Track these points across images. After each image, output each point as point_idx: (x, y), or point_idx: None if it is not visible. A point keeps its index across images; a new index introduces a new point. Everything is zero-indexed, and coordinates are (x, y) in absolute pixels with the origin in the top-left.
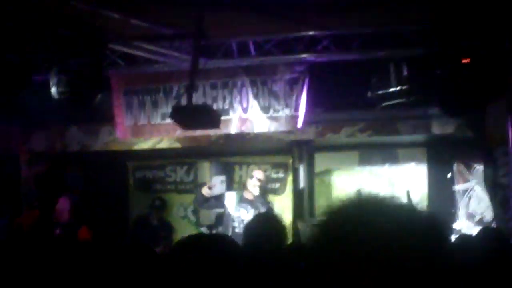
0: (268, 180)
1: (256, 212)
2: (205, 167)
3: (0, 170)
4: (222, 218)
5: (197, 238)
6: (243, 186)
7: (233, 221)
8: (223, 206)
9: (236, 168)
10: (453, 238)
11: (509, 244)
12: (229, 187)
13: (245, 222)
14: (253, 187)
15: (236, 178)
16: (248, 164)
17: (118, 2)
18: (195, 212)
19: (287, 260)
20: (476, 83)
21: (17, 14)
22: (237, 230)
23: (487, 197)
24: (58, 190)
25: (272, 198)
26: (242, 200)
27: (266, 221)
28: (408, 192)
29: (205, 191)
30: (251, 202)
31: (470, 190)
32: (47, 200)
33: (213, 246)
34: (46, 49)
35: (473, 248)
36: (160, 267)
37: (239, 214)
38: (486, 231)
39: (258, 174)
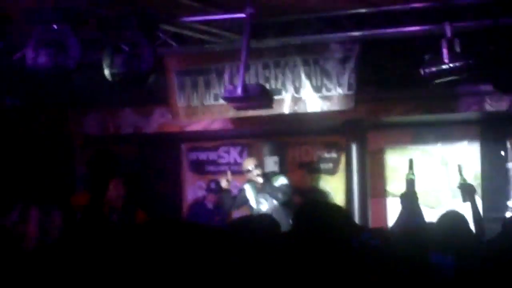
0: (321, 160)
1: (271, 199)
2: (259, 148)
3: (55, 154)
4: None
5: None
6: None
7: (253, 210)
8: (247, 201)
9: (289, 148)
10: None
11: None
12: (283, 168)
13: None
14: (255, 177)
15: (289, 158)
16: (301, 144)
17: None
18: None
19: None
20: None
21: None
22: None
23: None
24: (110, 173)
25: (324, 178)
26: (258, 191)
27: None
28: (460, 167)
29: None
30: (261, 189)
31: None
32: (99, 183)
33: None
34: (99, 30)
35: None
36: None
37: (261, 207)
38: None
39: (247, 164)
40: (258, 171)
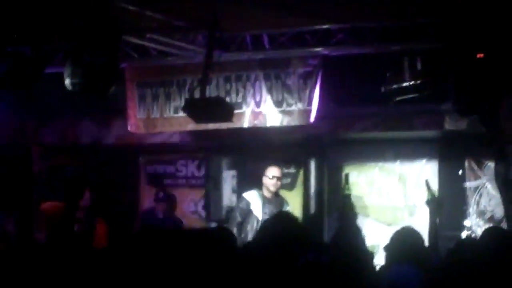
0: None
1: (275, 211)
2: (217, 162)
3: (12, 164)
4: (231, 213)
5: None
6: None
7: (258, 222)
8: (251, 211)
9: (248, 162)
10: (463, 235)
11: None
12: (240, 182)
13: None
14: (270, 186)
15: (248, 172)
16: (261, 159)
17: None
18: (206, 207)
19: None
20: (490, 79)
21: (30, 5)
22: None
23: (498, 195)
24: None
25: (282, 193)
26: (264, 200)
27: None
28: (427, 182)
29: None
30: (269, 201)
31: (481, 187)
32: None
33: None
34: (60, 40)
35: (477, 249)
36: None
37: (265, 217)
38: (491, 231)
39: (274, 171)
40: (279, 183)
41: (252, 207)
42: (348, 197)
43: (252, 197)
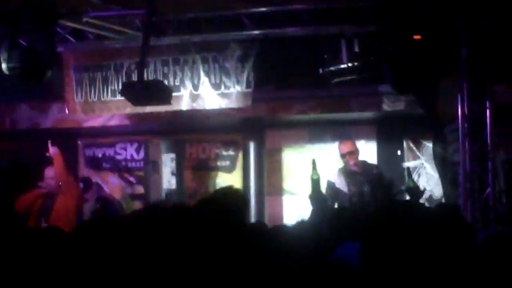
0: (218, 157)
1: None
2: (156, 145)
3: None
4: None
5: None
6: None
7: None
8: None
9: (187, 145)
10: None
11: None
12: (180, 165)
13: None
14: (347, 164)
15: (187, 155)
16: (199, 142)
17: None
18: (145, 190)
19: None
20: (427, 60)
21: None
22: None
23: (436, 175)
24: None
25: (221, 175)
26: (348, 172)
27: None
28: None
29: None
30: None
31: (420, 167)
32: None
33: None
34: None
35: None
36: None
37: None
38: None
39: (346, 147)
40: (354, 156)
41: (337, 186)
42: (317, 181)
43: (334, 176)
